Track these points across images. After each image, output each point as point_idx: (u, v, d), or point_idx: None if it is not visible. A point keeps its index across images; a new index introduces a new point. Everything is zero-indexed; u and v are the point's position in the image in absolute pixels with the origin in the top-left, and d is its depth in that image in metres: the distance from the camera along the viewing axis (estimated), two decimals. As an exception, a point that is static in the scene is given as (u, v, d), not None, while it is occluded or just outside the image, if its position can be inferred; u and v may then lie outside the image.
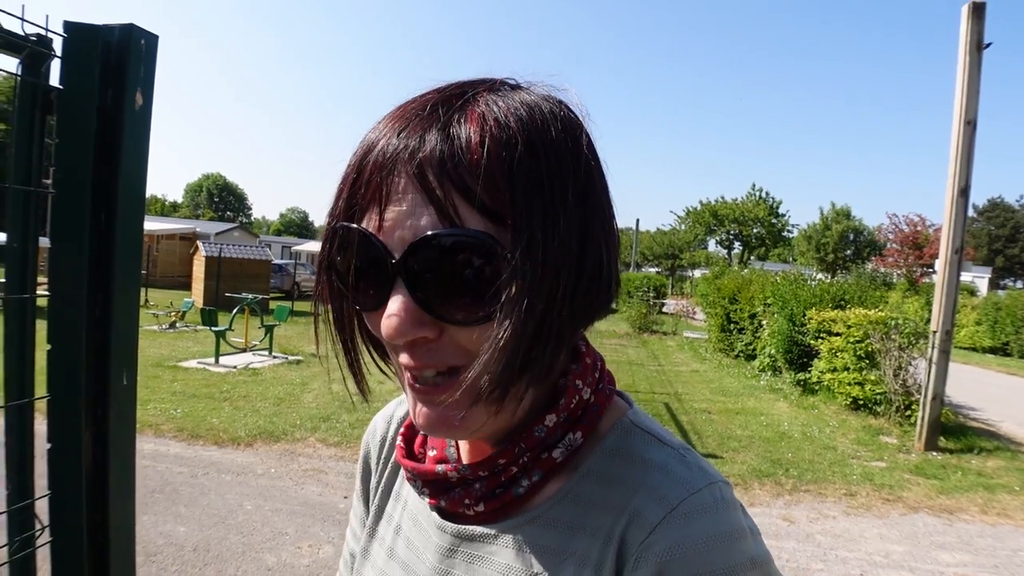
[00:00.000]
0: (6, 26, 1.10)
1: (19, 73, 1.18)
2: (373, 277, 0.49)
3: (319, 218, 0.55)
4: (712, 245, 53.21)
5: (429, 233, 0.45)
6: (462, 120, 0.46)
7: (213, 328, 10.25)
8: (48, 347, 1.22)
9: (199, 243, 20.56)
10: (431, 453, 0.62)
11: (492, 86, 0.50)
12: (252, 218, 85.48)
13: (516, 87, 0.51)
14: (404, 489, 0.68)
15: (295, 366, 10.21)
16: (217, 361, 9.97)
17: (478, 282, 0.45)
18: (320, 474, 5.36)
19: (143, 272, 24.31)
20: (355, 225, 0.48)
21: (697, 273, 40.80)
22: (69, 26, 1.20)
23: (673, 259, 51.39)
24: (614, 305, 0.55)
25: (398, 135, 0.47)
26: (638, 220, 41.53)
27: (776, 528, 4.72)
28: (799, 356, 9.92)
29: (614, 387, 0.60)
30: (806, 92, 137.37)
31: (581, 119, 0.51)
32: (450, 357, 0.49)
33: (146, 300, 18.80)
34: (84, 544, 1.28)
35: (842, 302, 9.71)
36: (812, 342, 9.35)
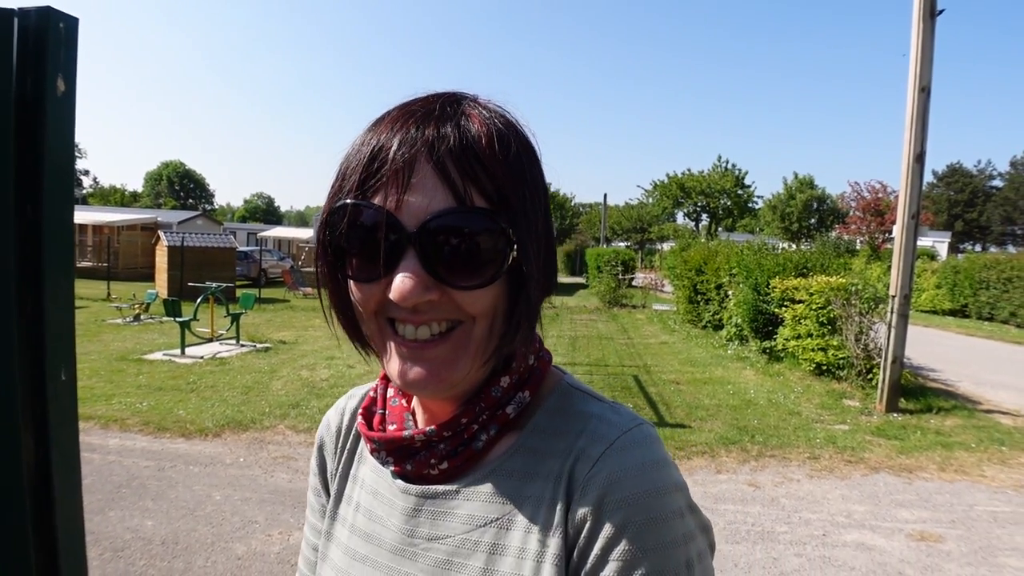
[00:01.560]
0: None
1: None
2: (383, 249, 0.55)
3: (285, 203, 0.60)
4: (680, 218, 53.71)
5: (444, 207, 0.54)
6: (468, 120, 0.56)
7: (178, 319, 10.07)
8: (-22, 346, 1.19)
9: (161, 233, 20.12)
10: (391, 428, 0.68)
11: (468, 98, 0.59)
12: (216, 205, 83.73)
13: (478, 101, 0.60)
14: (360, 471, 0.73)
15: (263, 354, 10.10)
16: (183, 352, 9.82)
17: (482, 252, 0.54)
18: (290, 460, 5.33)
19: (104, 265, 23.77)
20: (375, 202, 0.55)
21: (666, 246, 41.16)
22: (-21, 11, 1.14)
23: (642, 233, 51.73)
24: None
25: (416, 128, 0.55)
26: (606, 195, 41.59)
27: (742, 493, 4.84)
28: (764, 324, 10.11)
29: (551, 357, 0.70)
30: (768, 67, 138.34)
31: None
32: (449, 314, 0.57)
33: (109, 293, 18.38)
34: (31, 548, 1.26)
35: (805, 270, 9.88)
36: (776, 310, 9.53)
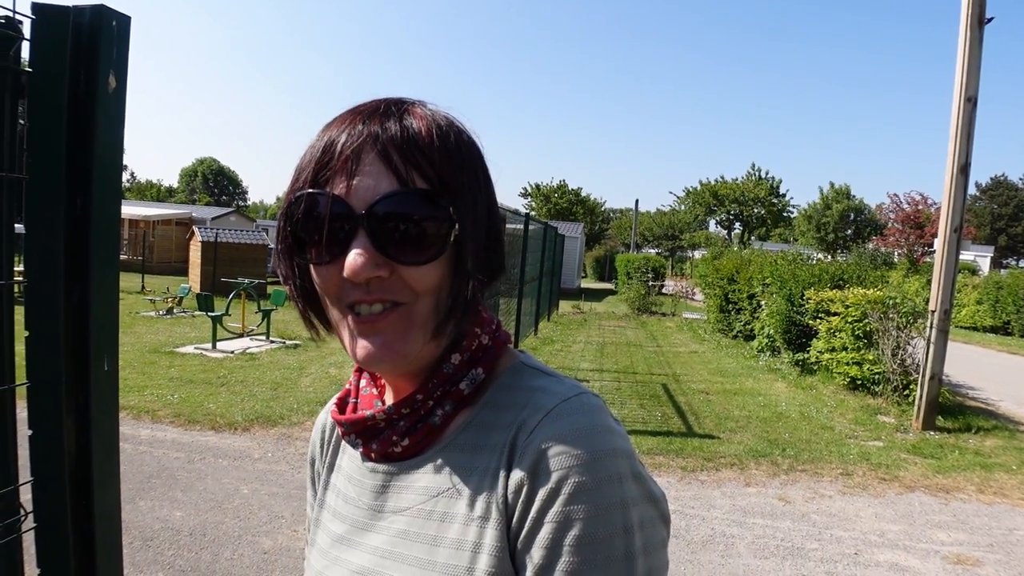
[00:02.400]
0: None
1: (-13, 56, 1.15)
2: (336, 232, 0.60)
3: None
4: (712, 226, 53.13)
5: (389, 190, 0.59)
6: (410, 116, 0.61)
7: (210, 313, 10.23)
8: (27, 334, 1.21)
9: (195, 228, 20.49)
10: (361, 412, 0.72)
11: (413, 101, 0.64)
12: (249, 202, 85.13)
13: (424, 103, 0.65)
14: (343, 460, 0.78)
15: (292, 350, 10.22)
16: (214, 346, 9.98)
17: (424, 230, 0.59)
18: (318, 458, 5.36)
19: (139, 259, 24.30)
20: (326, 190, 0.60)
21: (697, 254, 40.72)
22: (37, 7, 1.17)
23: (673, 240, 51.29)
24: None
25: (363, 124, 0.60)
26: (637, 200, 41.45)
27: (772, 508, 4.75)
28: (797, 336, 9.93)
29: (509, 339, 0.73)
30: (805, 73, 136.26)
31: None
32: (397, 293, 0.61)
33: (143, 286, 18.78)
34: (69, 530, 1.27)
35: (841, 282, 9.69)
36: (810, 322, 9.35)
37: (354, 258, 0.58)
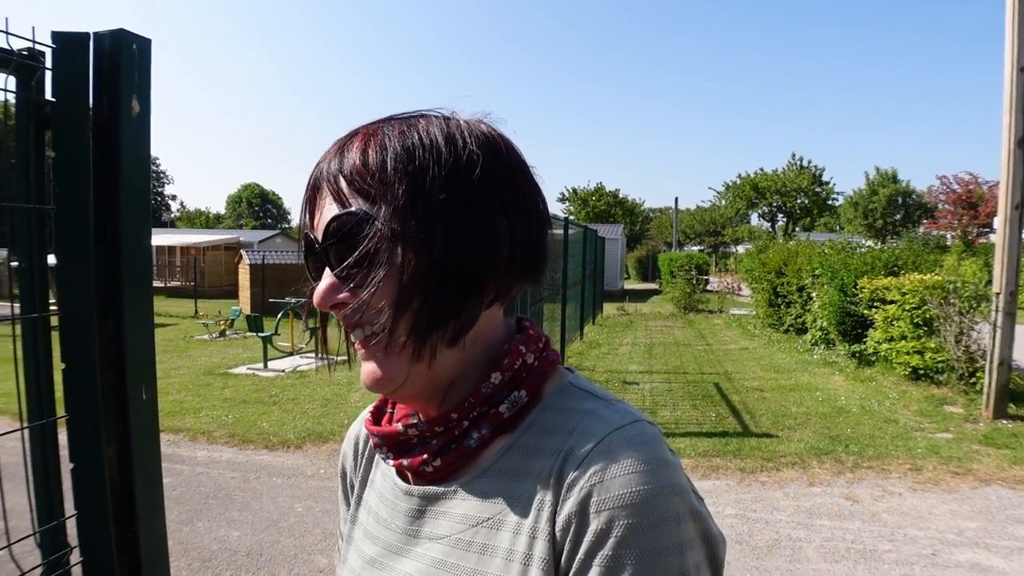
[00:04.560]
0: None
1: (12, 88, 1.14)
2: (316, 264, 0.63)
3: None
4: (755, 219, 52.08)
5: (328, 216, 0.60)
6: (352, 144, 0.61)
7: (260, 334, 10.43)
8: (63, 366, 1.20)
9: (243, 252, 21.00)
10: (395, 425, 0.70)
11: (409, 117, 0.63)
12: (292, 224, 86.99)
13: (432, 116, 0.63)
14: (375, 476, 0.76)
15: (342, 367, 10.29)
16: (266, 366, 10.15)
17: (360, 248, 0.58)
18: (369, 473, 5.37)
19: (191, 284, 25.07)
20: (304, 227, 0.64)
21: (741, 249, 39.92)
22: (57, 36, 1.15)
23: (715, 236, 50.47)
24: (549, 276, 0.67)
25: (322, 160, 0.63)
26: (676, 199, 40.90)
27: (839, 508, 4.54)
28: (853, 327, 9.58)
29: (558, 359, 0.69)
30: (843, 57, 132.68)
31: (491, 137, 0.63)
32: (367, 317, 0.60)
33: (196, 310, 19.30)
34: (115, 562, 1.26)
35: (895, 268, 9.32)
36: (866, 312, 9.01)
37: (318, 287, 0.62)
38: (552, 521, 0.56)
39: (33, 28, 1.13)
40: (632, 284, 37.42)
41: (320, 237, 0.61)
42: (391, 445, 0.67)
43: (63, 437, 1.20)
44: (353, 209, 0.59)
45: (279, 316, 11.65)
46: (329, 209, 0.61)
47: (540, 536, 0.56)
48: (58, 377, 1.21)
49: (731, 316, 17.83)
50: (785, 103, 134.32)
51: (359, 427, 0.83)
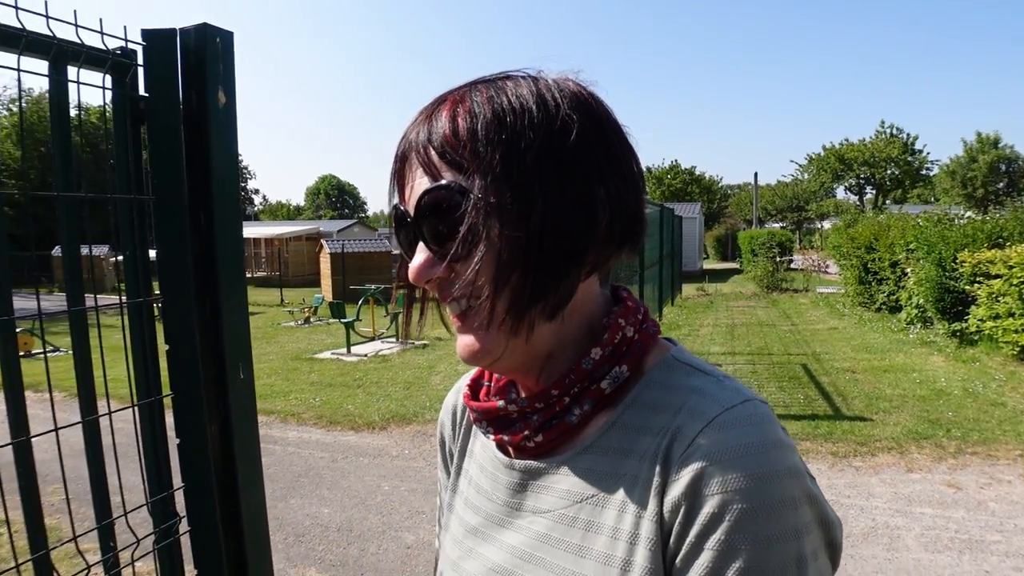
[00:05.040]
0: (89, 42, 1.11)
1: (108, 86, 1.20)
2: (409, 238, 0.62)
3: None
4: (840, 192, 49.66)
5: (420, 190, 0.58)
6: (440, 112, 0.59)
7: (342, 320, 10.80)
8: (167, 348, 1.26)
9: (323, 242, 21.74)
10: (493, 399, 0.69)
11: (495, 80, 0.60)
12: (368, 213, 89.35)
13: (518, 77, 0.60)
14: (475, 446, 0.76)
15: (421, 351, 10.55)
16: (349, 351, 10.50)
17: (459, 222, 0.56)
18: (451, 454, 5.48)
19: (276, 274, 26.21)
20: (395, 201, 0.63)
21: (826, 224, 38.17)
22: (147, 34, 1.20)
23: (798, 212, 48.39)
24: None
25: (410, 130, 0.61)
26: (756, 174, 39.43)
27: (940, 495, 4.30)
28: (952, 304, 8.99)
29: (659, 330, 0.66)
30: (934, 19, 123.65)
31: (582, 97, 0.60)
32: (463, 290, 0.58)
33: (281, 299, 20.15)
34: (220, 532, 1.32)
35: (1000, 240, 8.67)
36: (967, 288, 8.44)
37: (413, 262, 0.61)
38: (660, 501, 0.54)
39: (125, 28, 1.18)
40: (711, 264, 36.47)
41: (412, 211, 0.60)
42: (491, 420, 0.67)
43: (169, 419, 1.26)
44: (446, 182, 0.57)
45: (360, 302, 12.01)
46: (420, 182, 0.59)
47: (647, 516, 0.55)
48: (163, 362, 1.28)
49: (818, 295, 17.10)
50: (873, 69, 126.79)
51: (456, 397, 0.83)
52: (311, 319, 15.22)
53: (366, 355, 10.25)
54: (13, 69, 1.04)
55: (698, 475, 0.52)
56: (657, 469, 0.55)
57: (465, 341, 0.61)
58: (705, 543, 0.51)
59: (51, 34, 1.07)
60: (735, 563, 0.50)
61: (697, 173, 50.34)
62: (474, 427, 0.77)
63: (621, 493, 0.57)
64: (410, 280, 0.61)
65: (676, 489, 0.53)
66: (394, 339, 11.52)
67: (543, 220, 0.55)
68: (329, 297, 17.90)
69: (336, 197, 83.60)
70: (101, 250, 21.35)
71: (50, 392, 1.06)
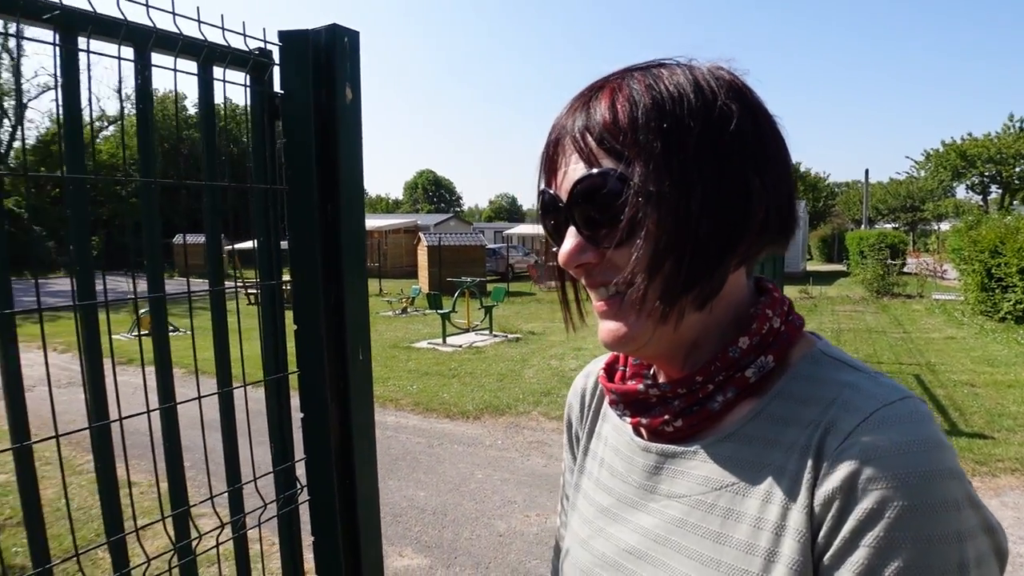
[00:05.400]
0: (227, 42, 1.21)
1: (248, 84, 1.30)
2: (558, 223, 0.63)
3: (527, 201, 0.73)
4: (961, 192, 46.06)
5: (577, 176, 0.59)
6: (599, 99, 0.59)
7: (439, 311, 11.09)
8: (295, 328, 1.36)
9: (421, 235, 22.35)
10: (631, 383, 0.69)
11: (649, 67, 0.60)
12: (464, 207, 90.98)
13: (672, 65, 0.60)
14: (604, 428, 0.77)
15: (514, 344, 10.68)
16: (444, 341, 10.78)
17: (615, 208, 0.57)
18: (544, 446, 5.54)
19: (375, 265, 27.17)
20: (542, 186, 0.64)
21: (944, 226, 35.51)
22: (283, 35, 1.29)
23: (912, 212, 45.33)
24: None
25: (565, 116, 0.61)
26: (867, 171, 36.99)
27: (1073, 519, 3.95)
28: (1093, 314, 8.19)
29: (803, 323, 0.66)
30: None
31: (736, 85, 0.59)
32: (612, 277, 0.59)
33: (380, 289, 20.88)
34: (336, 503, 1.41)
35: None
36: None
37: (562, 247, 0.61)
38: (811, 494, 0.53)
39: (264, 30, 1.27)
40: (815, 265, 34.80)
41: (565, 197, 0.60)
42: (629, 403, 0.67)
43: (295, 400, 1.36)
44: (605, 169, 0.57)
45: (456, 295, 12.28)
46: (575, 168, 0.59)
47: (796, 508, 0.54)
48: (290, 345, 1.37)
49: (933, 301, 15.98)
50: (1000, 59, 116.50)
51: (585, 380, 0.84)
52: (408, 309, 15.70)
53: (460, 346, 10.48)
54: (170, 69, 1.15)
55: (856, 470, 0.50)
56: (809, 463, 0.54)
57: (611, 326, 0.61)
58: (861, 539, 0.49)
59: (203, 37, 1.17)
60: (894, 561, 0.48)
61: (803, 170, 48.07)
62: (603, 409, 0.78)
63: (766, 483, 0.57)
64: (559, 264, 0.62)
65: (830, 483, 0.52)
66: (487, 331, 11.71)
67: (701, 209, 0.55)
68: (425, 288, 18.39)
69: (433, 191, 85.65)
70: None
71: (195, 368, 1.16)
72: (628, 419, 0.68)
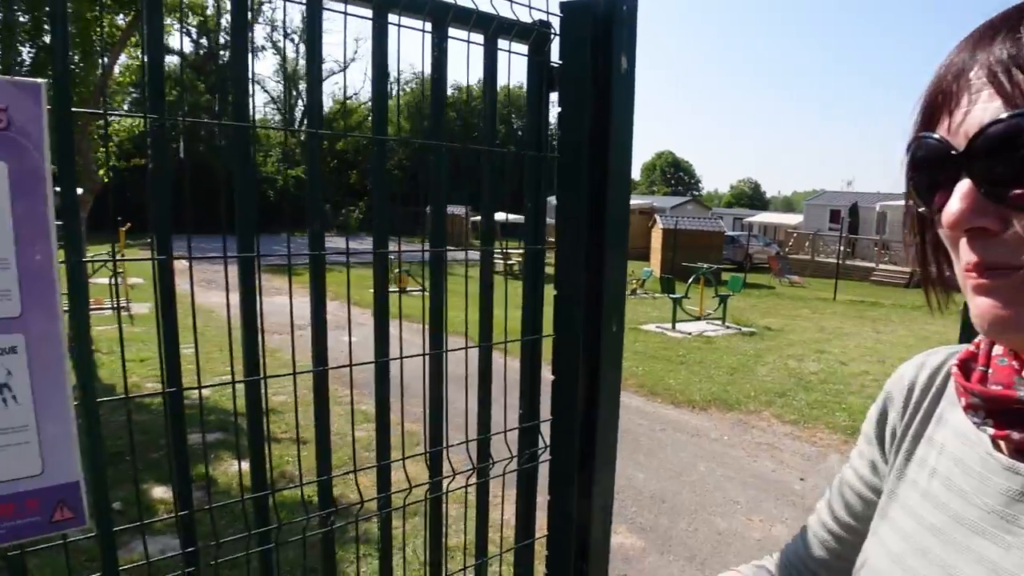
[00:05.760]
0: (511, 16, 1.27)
1: (528, 55, 1.36)
2: (941, 177, 0.51)
3: (772, 188, 0.61)
4: None
5: (991, 119, 0.46)
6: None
7: (671, 295, 10.87)
8: (555, 292, 1.41)
9: (656, 217, 22.03)
10: (995, 387, 0.58)
11: None
12: (703, 191, 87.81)
13: None
14: (940, 434, 0.66)
15: (748, 338, 10.12)
16: (674, 327, 10.55)
17: None
18: (774, 450, 5.19)
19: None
20: (923, 133, 0.53)
21: None
22: (565, 6, 1.32)
23: None
24: None
25: (970, 46, 0.50)
26: None
27: None
28: None
29: None
30: None
31: None
32: (1012, 254, 0.47)
33: (612, 269, 21.07)
34: (575, 465, 1.45)
35: None
36: None
37: (949, 205, 0.49)
38: None
39: (547, 1, 1.31)
40: None
41: (962, 144, 0.49)
42: (995, 411, 0.56)
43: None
44: None
45: (690, 280, 11.94)
46: (986, 108, 0.48)
47: None
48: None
49: None
50: None
51: (917, 372, 0.73)
52: (638, 291, 15.63)
53: (690, 333, 10.20)
54: (463, 41, 1.24)
55: None
56: None
57: (991, 304, 0.50)
58: None
59: (494, 12, 1.24)
60: None
61: None
62: (939, 412, 0.68)
63: None
64: (944, 225, 0.51)
65: None
66: (719, 322, 11.24)
67: None
68: (657, 272, 18.15)
69: (671, 173, 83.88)
70: (459, 210, 24.66)
71: (465, 324, 1.25)
72: (989, 430, 0.57)
